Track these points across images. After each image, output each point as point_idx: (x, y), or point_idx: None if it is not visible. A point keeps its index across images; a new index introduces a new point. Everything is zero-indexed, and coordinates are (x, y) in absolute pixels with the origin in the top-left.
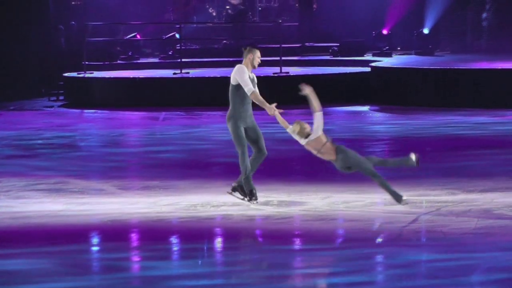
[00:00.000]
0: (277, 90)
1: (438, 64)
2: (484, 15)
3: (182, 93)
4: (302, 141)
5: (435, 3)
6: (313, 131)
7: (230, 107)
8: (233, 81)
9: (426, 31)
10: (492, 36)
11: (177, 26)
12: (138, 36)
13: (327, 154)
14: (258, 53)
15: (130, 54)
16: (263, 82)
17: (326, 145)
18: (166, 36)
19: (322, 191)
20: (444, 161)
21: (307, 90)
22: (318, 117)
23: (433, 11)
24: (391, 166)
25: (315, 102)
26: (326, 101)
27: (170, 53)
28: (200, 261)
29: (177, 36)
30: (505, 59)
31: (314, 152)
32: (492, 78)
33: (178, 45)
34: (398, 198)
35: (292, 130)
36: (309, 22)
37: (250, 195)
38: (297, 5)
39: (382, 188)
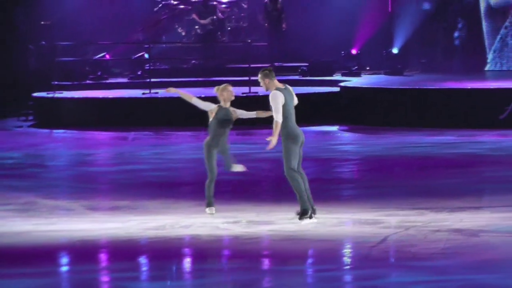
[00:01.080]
0: (245, 110)
1: (407, 84)
2: (456, 34)
3: (151, 113)
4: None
5: (404, 23)
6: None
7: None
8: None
9: (395, 51)
10: (464, 55)
11: (146, 46)
12: (107, 56)
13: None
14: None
15: (99, 74)
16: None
17: None
18: (135, 56)
19: (291, 211)
20: (412, 180)
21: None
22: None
23: (402, 31)
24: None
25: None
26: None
27: (139, 73)
28: (168, 282)
29: (146, 56)
30: (476, 78)
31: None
32: (461, 97)
33: (147, 65)
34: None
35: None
36: (278, 42)
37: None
38: (266, 25)
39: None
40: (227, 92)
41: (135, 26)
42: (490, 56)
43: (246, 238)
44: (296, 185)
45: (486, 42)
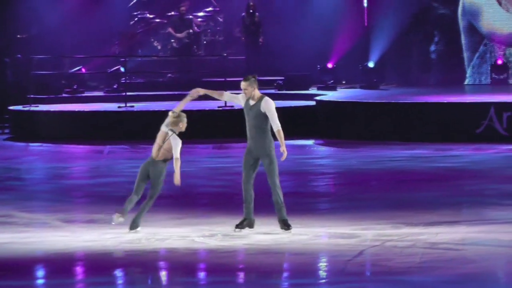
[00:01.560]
0: (221, 123)
1: (383, 98)
2: (433, 47)
3: (127, 127)
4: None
5: (380, 37)
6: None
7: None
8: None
9: (371, 64)
10: (440, 69)
11: (122, 59)
12: (83, 70)
13: (161, 153)
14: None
15: (75, 87)
16: (208, 116)
17: (168, 154)
18: (111, 70)
19: (266, 225)
20: (389, 194)
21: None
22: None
23: (378, 45)
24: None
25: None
26: (271, 134)
27: (115, 86)
28: None
29: (122, 69)
30: (452, 92)
31: (160, 140)
32: (437, 111)
33: (123, 78)
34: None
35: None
36: (255, 55)
37: None
38: (243, 39)
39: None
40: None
41: (111, 40)
42: (468, 71)
43: (222, 252)
44: (282, 195)
45: (465, 57)
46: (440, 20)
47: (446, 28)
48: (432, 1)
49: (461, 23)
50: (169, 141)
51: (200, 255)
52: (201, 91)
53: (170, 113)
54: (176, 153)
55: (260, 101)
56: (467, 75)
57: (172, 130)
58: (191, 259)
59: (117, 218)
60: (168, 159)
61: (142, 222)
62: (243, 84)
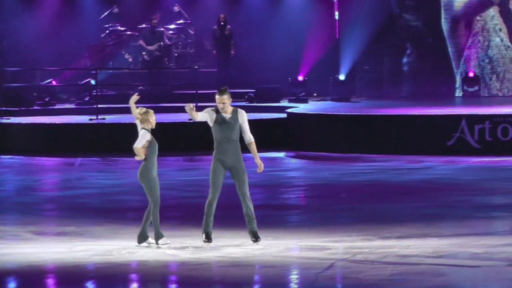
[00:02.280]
0: (192, 136)
1: (354, 110)
2: (405, 60)
3: (98, 139)
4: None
5: (351, 49)
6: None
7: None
8: None
9: (342, 77)
10: (413, 81)
11: (93, 72)
12: (54, 82)
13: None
14: (217, 97)
15: (47, 100)
16: (179, 128)
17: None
18: (82, 82)
19: (238, 237)
20: (360, 207)
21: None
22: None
23: (349, 57)
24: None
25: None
26: (242, 147)
27: (86, 99)
28: None
29: (92, 82)
30: (425, 104)
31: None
32: (409, 124)
33: (95, 91)
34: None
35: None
36: (226, 68)
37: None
38: (214, 51)
39: (150, 220)
40: (153, 120)
41: (82, 52)
42: (458, 81)
43: (193, 264)
44: (253, 207)
45: (454, 66)
46: (411, 32)
47: (417, 40)
48: (403, 13)
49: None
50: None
51: (171, 268)
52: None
53: (137, 110)
54: (136, 143)
55: (236, 114)
56: (457, 85)
57: (144, 129)
58: (162, 272)
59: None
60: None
61: (112, 235)
62: (223, 98)
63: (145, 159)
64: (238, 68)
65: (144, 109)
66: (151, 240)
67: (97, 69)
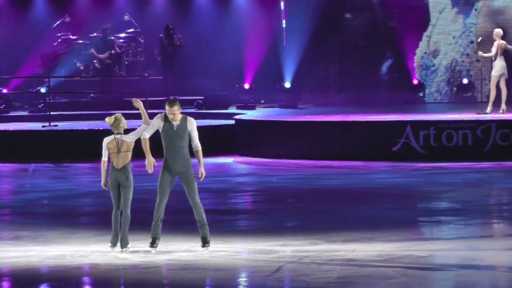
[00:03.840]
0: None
1: (300, 116)
2: (351, 66)
3: (51, 146)
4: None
5: (296, 57)
6: (130, 134)
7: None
8: None
9: (287, 85)
10: (356, 88)
11: (45, 79)
12: (5, 90)
13: (121, 160)
14: (167, 108)
15: (1, 107)
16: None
17: (128, 154)
18: (34, 90)
19: (187, 242)
20: (306, 211)
21: (139, 104)
22: (142, 128)
23: (294, 65)
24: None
25: (144, 116)
26: (191, 153)
27: (40, 106)
28: None
29: (42, 90)
30: (370, 111)
31: (114, 150)
32: (354, 129)
33: (47, 98)
34: (123, 243)
35: (108, 121)
36: (173, 76)
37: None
38: (159, 58)
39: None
40: (124, 123)
41: (34, 60)
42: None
43: (144, 267)
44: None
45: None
46: (355, 35)
47: (361, 47)
48: (348, 20)
49: None
50: (124, 142)
51: (123, 271)
52: (137, 103)
53: (106, 120)
54: (134, 134)
55: (185, 121)
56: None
57: (119, 134)
58: (114, 275)
59: (112, 248)
60: (128, 163)
61: (65, 239)
62: (173, 109)
63: (127, 165)
64: (187, 76)
65: (113, 119)
66: (129, 245)
67: (49, 77)
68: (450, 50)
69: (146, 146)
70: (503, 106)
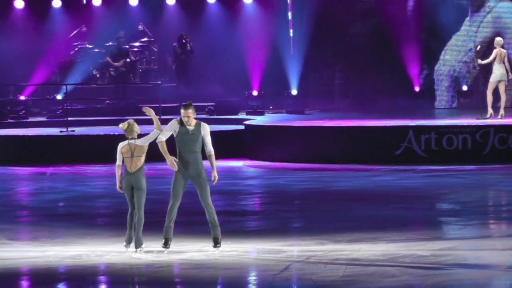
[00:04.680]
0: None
1: (306, 122)
2: (356, 74)
3: (68, 150)
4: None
5: (303, 65)
6: (143, 138)
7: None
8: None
9: (294, 92)
10: (360, 95)
11: (63, 87)
12: (24, 97)
13: (134, 164)
14: (182, 111)
15: (22, 113)
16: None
17: (141, 157)
18: (51, 97)
19: (199, 242)
20: (313, 212)
21: (150, 111)
22: (154, 133)
23: (301, 73)
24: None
25: (156, 122)
26: (203, 157)
27: (58, 112)
28: None
29: (58, 97)
30: (372, 117)
31: (128, 154)
32: (359, 134)
33: (65, 105)
34: (137, 243)
35: (121, 126)
36: (186, 83)
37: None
38: (173, 66)
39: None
40: (137, 128)
41: (52, 68)
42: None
43: (157, 266)
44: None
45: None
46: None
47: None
48: (353, 28)
49: None
50: (138, 147)
51: (137, 270)
52: (148, 111)
53: (120, 126)
54: (147, 138)
55: (199, 127)
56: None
57: (133, 139)
58: (128, 273)
59: (126, 247)
60: (141, 167)
61: (82, 240)
62: (188, 112)
63: (141, 169)
64: (199, 83)
65: (126, 124)
66: (144, 245)
67: (66, 84)
68: (451, 57)
69: (163, 148)
70: (502, 111)
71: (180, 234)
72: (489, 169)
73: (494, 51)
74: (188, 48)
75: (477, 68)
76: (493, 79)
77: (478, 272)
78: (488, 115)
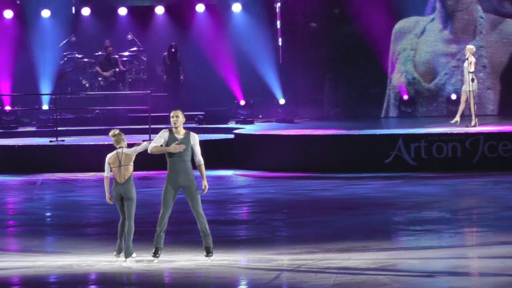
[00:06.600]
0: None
1: (296, 131)
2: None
3: (58, 160)
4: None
5: (292, 74)
6: (133, 148)
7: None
8: None
9: (281, 101)
10: (349, 103)
11: (53, 97)
12: (8, 107)
13: (122, 174)
14: (171, 112)
15: (12, 125)
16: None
17: (129, 167)
18: (39, 107)
19: (190, 251)
20: (303, 221)
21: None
22: (144, 145)
23: (290, 81)
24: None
25: (163, 150)
26: (194, 166)
27: (49, 124)
28: None
29: (44, 107)
30: (361, 125)
31: (116, 164)
32: (348, 143)
33: (54, 114)
34: (127, 253)
35: (111, 133)
36: (176, 92)
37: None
38: (164, 77)
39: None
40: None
41: (42, 78)
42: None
43: (148, 275)
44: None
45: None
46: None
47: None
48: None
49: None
50: (125, 155)
51: (128, 279)
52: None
53: (110, 134)
54: (135, 149)
55: (188, 135)
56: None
57: (120, 147)
58: (119, 282)
59: (117, 256)
60: (130, 176)
61: (72, 250)
62: (177, 112)
63: (129, 178)
64: (189, 92)
65: (116, 131)
66: (134, 254)
67: (56, 94)
68: (439, 67)
69: (159, 148)
70: (458, 118)
71: (171, 243)
72: (478, 176)
73: (473, 60)
74: (178, 59)
75: (474, 80)
76: (474, 87)
77: (468, 279)
78: (474, 123)
